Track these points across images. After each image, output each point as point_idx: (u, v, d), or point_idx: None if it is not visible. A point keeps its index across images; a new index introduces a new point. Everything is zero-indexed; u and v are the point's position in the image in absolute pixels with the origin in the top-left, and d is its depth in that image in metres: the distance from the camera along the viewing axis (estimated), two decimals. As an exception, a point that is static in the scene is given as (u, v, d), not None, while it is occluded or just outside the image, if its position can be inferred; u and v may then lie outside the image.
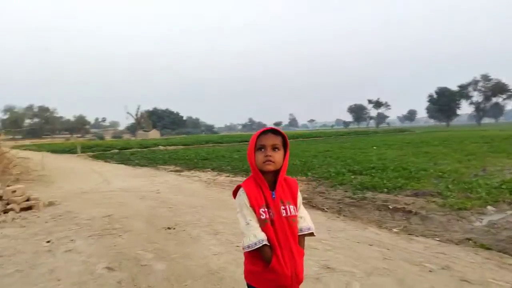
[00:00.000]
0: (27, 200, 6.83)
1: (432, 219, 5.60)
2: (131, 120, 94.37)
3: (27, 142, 70.74)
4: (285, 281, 1.76)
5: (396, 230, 5.10)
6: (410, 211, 6.05)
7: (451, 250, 4.12)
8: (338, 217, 5.98)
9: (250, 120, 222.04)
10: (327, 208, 6.65)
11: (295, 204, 1.86)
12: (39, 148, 36.39)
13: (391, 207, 6.40)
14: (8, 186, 7.32)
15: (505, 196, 6.65)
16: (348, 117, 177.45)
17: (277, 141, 1.83)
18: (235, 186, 1.89)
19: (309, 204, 7.04)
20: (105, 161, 19.94)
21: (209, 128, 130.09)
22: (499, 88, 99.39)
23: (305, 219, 1.92)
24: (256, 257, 1.79)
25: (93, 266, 3.86)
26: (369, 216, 6.02)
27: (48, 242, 4.77)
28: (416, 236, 4.76)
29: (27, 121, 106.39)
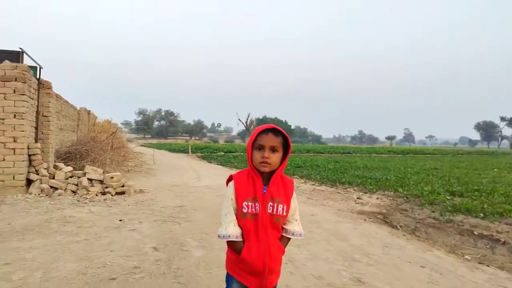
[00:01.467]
0: (122, 186, 7.85)
1: (523, 251, 4.72)
2: (242, 127, 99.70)
3: (154, 141, 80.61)
4: (257, 270, 1.76)
5: (468, 257, 4.44)
6: (498, 240, 5.21)
7: (520, 286, 3.44)
8: (405, 235, 5.45)
9: (360, 132, 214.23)
10: (401, 226, 6.11)
11: (287, 204, 1.82)
12: (159, 146, 41.06)
13: (476, 233, 5.59)
14: (107, 172, 8.52)
15: None
16: (475, 135, 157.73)
17: (277, 142, 1.79)
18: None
19: (384, 220, 6.57)
20: (208, 162, 21.56)
21: (317, 138, 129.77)
22: None
23: (299, 223, 1.92)
24: (231, 246, 1.85)
25: (143, 245, 4.31)
26: (446, 240, 5.35)
27: (120, 220, 5.47)
28: (488, 266, 4.08)
29: (156, 123, 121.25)
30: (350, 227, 5.81)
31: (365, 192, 9.69)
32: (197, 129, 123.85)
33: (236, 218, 1.80)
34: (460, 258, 4.39)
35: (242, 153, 31.59)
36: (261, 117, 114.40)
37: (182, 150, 34.27)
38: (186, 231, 5.04)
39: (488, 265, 4.12)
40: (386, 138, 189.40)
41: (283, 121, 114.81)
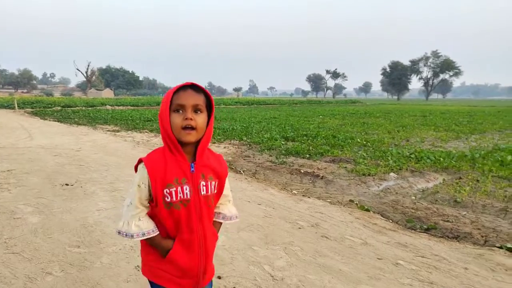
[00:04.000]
0: None
1: (334, 183, 5.86)
2: (82, 78, 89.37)
3: (-37, 94, 65.33)
4: (193, 272, 1.44)
5: (295, 192, 5.29)
6: (317, 175, 6.29)
7: (330, 210, 4.35)
8: (247, 179, 6.09)
9: (210, 84, 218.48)
10: (243, 171, 6.75)
11: (219, 180, 1.49)
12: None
13: (302, 171, 6.61)
14: None
15: (411, 164, 7.08)
16: (307, 87, 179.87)
17: (200, 100, 1.39)
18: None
19: (230, 167, 7.11)
20: (41, 118, 18.91)
21: (166, 90, 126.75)
22: (447, 65, 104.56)
23: (232, 202, 1.64)
24: (148, 246, 1.47)
25: (-40, 219, 3.69)
26: (279, 179, 6.19)
27: None
28: (309, 197, 4.97)
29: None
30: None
31: (214, 142, 10.22)
32: (24, 80, 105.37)
33: (156, 210, 1.41)
34: (289, 193, 5.20)
35: (83, 107, 28.63)
36: (104, 67, 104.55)
37: (6, 105, 28.88)
38: (18, 197, 4.50)
39: (309, 197, 5.02)
40: (234, 89, 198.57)
41: (130, 71, 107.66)
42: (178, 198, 1.37)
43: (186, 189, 1.38)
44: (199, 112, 1.39)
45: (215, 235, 1.52)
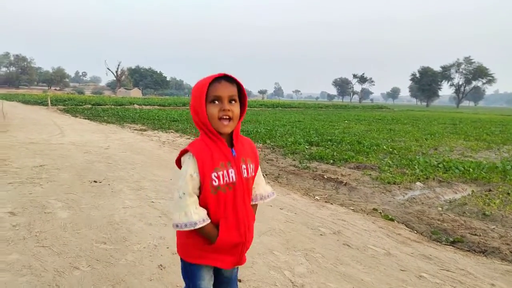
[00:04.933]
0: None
1: (358, 190, 5.78)
2: (112, 77, 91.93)
3: (2, 91, 68.45)
4: (233, 251, 1.54)
5: (318, 198, 5.26)
6: (341, 182, 6.22)
7: (353, 218, 4.30)
8: (269, 182, 6.10)
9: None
10: (266, 174, 6.76)
11: (256, 164, 1.58)
12: (9, 98, 35.30)
13: (325, 177, 6.56)
14: None
15: (438, 174, 6.90)
16: (333, 91, 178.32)
17: (234, 91, 1.46)
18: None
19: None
20: (72, 115, 19.59)
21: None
22: (480, 72, 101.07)
23: (262, 185, 1.68)
24: (195, 232, 1.50)
25: (-4, 210, 3.88)
26: (302, 184, 6.17)
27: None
28: (331, 204, 4.93)
29: (3, 69, 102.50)
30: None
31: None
32: (57, 78, 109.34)
33: (200, 197, 1.48)
34: (312, 199, 5.18)
35: (112, 106, 29.47)
36: (133, 67, 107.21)
37: (40, 102, 30.10)
38: (49, 192, 4.69)
39: (332, 203, 4.98)
40: (259, 92, 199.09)
41: (158, 72, 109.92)
42: (225, 181, 1.45)
43: (231, 172, 1.46)
44: (233, 102, 1.46)
45: (254, 217, 1.61)
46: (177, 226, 1.46)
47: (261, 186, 1.65)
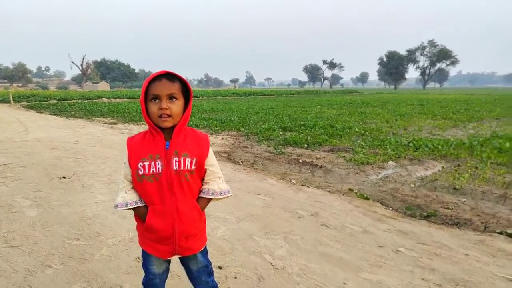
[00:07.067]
0: None
1: (333, 172, 5.85)
2: (77, 71, 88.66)
3: (-42, 89, 64.75)
4: (164, 235, 1.58)
5: (294, 182, 5.28)
6: (316, 165, 6.27)
7: (329, 199, 4.34)
8: (245, 169, 6.07)
9: (206, 75, 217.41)
10: (241, 162, 6.73)
11: (197, 157, 1.59)
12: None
13: (301, 161, 6.60)
14: None
15: (409, 153, 7.08)
16: (304, 77, 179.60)
17: (174, 89, 1.51)
18: None
19: (228, 157, 7.09)
20: (37, 112, 18.78)
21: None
22: (443, 54, 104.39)
23: (223, 180, 1.73)
24: (137, 217, 1.67)
25: (-43, 213, 3.66)
26: (278, 169, 6.18)
27: None
28: (308, 187, 4.96)
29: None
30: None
31: (211, 134, 10.18)
32: (18, 74, 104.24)
33: (133, 183, 1.60)
34: (288, 183, 5.19)
35: (79, 100, 28.43)
36: (99, 59, 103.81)
37: (1, 99, 28.62)
38: (15, 191, 4.46)
39: (308, 186, 5.00)
40: (230, 81, 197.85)
41: (126, 64, 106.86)
42: (151, 171, 1.53)
43: (158, 164, 1.53)
44: (174, 99, 1.52)
45: (194, 209, 1.61)
46: (115, 207, 1.61)
47: (216, 182, 1.68)
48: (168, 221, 1.56)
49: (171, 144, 1.55)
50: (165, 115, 1.50)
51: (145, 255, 1.72)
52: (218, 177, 1.70)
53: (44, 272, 2.56)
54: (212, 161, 1.67)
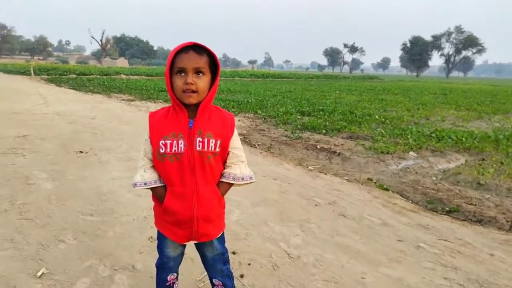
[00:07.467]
0: None
1: (352, 160, 5.70)
2: (96, 46, 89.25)
3: (-18, 60, 66.12)
4: (183, 218, 1.50)
5: (311, 168, 5.16)
6: (334, 152, 6.12)
7: (347, 188, 4.22)
8: (261, 153, 5.97)
9: (224, 55, 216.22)
10: (258, 145, 6.63)
11: (222, 139, 1.49)
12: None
13: (318, 147, 6.46)
14: None
15: (431, 144, 6.84)
16: (324, 61, 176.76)
17: (201, 62, 1.39)
18: None
19: (244, 140, 6.99)
20: (57, 85, 19.00)
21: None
22: (470, 41, 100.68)
23: (246, 165, 1.63)
24: (154, 198, 1.59)
25: (-25, 182, 3.69)
26: (294, 154, 6.06)
27: None
28: (326, 174, 4.84)
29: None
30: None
31: (228, 115, 10.08)
32: (40, 47, 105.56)
33: (154, 161, 1.52)
34: (305, 169, 5.08)
35: (98, 76, 28.63)
36: (119, 35, 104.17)
37: (22, 72, 29.03)
38: (32, 163, 4.48)
39: (325, 173, 4.88)
40: (249, 62, 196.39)
41: (145, 40, 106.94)
42: (172, 150, 1.43)
43: (180, 143, 1.43)
44: (201, 74, 1.40)
45: (214, 193, 1.52)
46: (134, 185, 1.54)
47: (238, 167, 1.58)
48: (188, 204, 1.47)
49: (195, 123, 1.45)
50: (189, 90, 1.38)
51: (161, 237, 1.64)
52: (241, 161, 1.60)
53: (57, 247, 2.55)
54: (236, 144, 1.57)
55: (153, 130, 1.48)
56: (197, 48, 1.39)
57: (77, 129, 6.83)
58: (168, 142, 1.44)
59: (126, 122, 8.05)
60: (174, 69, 1.39)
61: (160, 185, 1.52)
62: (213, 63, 1.44)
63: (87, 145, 5.56)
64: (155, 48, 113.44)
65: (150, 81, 25.41)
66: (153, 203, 1.62)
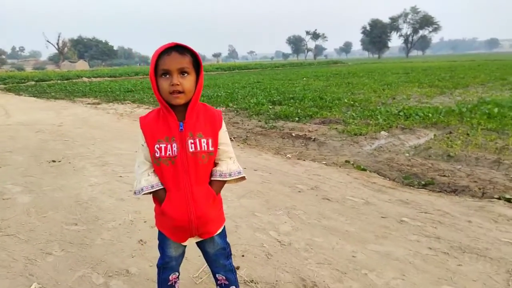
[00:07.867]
0: None
1: (327, 144, 5.82)
2: (53, 50, 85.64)
3: None
4: (180, 224, 1.51)
5: (290, 156, 5.24)
6: (309, 138, 6.23)
7: (327, 172, 4.33)
8: (239, 145, 5.99)
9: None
10: (234, 138, 6.64)
11: (213, 138, 1.50)
12: None
13: (294, 135, 6.54)
14: None
15: (400, 122, 7.09)
16: (288, 49, 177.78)
17: (185, 63, 1.39)
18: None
19: (219, 133, 6.97)
20: (16, 94, 18.14)
21: (145, 59, 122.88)
22: (426, 21, 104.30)
23: (234, 160, 1.61)
24: (155, 200, 1.59)
25: None
26: (271, 144, 6.12)
27: None
28: (304, 160, 4.93)
29: None
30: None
31: (199, 110, 10.00)
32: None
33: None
34: (284, 157, 5.15)
35: (58, 81, 27.50)
36: (75, 37, 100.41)
37: (-24, 83, 27.54)
38: (4, 177, 4.30)
39: (304, 160, 4.98)
40: (213, 55, 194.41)
41: (104, 41, 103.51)
42: (167, 154, 1.45)
43: (174, 147, 1.45)
44: (186, 74, 1.41)
45: (209, 193, 1.52)
46: (135, 193, 1.55)
47: (225, 163, 1.57)
48: (184, 209, 1.49)
49: (185, 125, 1.46)
50: (176, 92, 1.39)
51: (162, 238, 1.65)
52: (229, 157, 1.59)
53: (45, 260, 2.49)
54: (223, 139, 1.56)
55: (147, 135, 1.49)
56: (179, 49, 1.40)
57: (46, 138, 6.59)
58: (163, 146, 1.46)
59: (96, 127, 7.83)
60: (159, 72, 1.40)
61: (162, 187, 1.53)
62: (196, 62, 1.45)
63: (59, 154, 5.39)
64: (115, 48, 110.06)
65: (114, 82, 24.72)
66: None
